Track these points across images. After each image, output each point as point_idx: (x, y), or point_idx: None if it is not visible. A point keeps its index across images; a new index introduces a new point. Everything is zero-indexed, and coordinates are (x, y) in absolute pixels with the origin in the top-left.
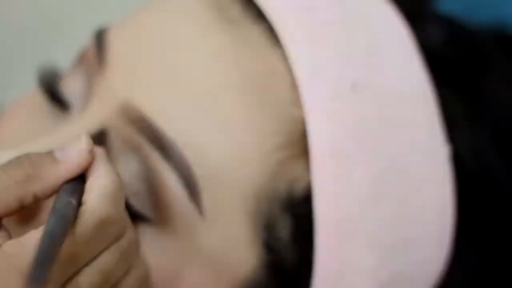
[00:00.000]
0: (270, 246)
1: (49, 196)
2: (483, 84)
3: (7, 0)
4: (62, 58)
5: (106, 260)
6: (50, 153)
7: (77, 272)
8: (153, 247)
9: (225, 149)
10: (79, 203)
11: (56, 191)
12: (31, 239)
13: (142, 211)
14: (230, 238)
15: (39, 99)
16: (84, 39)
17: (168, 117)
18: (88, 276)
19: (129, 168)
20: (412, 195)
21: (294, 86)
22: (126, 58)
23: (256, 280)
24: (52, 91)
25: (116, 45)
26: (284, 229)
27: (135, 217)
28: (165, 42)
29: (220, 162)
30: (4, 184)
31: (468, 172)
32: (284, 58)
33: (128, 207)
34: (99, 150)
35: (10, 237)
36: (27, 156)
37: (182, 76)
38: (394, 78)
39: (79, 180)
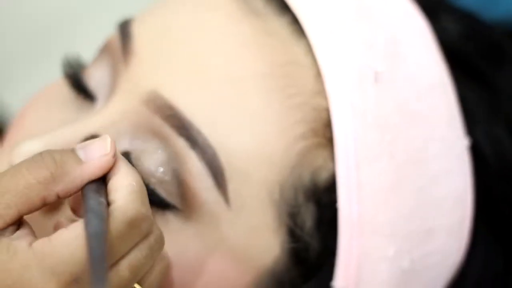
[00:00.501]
0: (294, 234)
1: (71, 195)
2: (499, 77)
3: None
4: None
5: (135, 256)
6: (73, 152)
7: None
8: (179, 235)
9: (250, 138)
10: (107, 203)
11: (78, 190)
12: (62, 239)
13: (168, 200)
14: (255, 227)
15: (63, 89)
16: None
17: (194, 106)
18: (118, 272)
19: (155, 156)
20: (432, 186)
21: (318, 76)
22: (151, 49)
23: (279, 268)
24: (77, 81)
25: (141, 36)
26: (307, 218)
27: (161, 205)
28: (190, 33)
29: (244, 151)
30: (29, 184)
31: (486, 163)
32: (308, 49)
33: (155, 196)
34: (114, 144)
35: (34, 233)
36: (51, 155)
37: (207, 66)
38: (415, 70)
39: (100, 179)
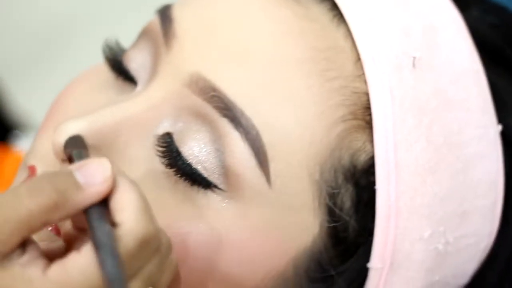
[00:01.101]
0: (333, 214)
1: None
2: None
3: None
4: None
5: (148, 270)
6: (72, 177)
7: None
8: (220, 214)
9: (291, 120)
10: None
11: (80, 213)
12: (77, 266)
13: (211, 179)
14: (296, 207)
15: (103, 72)
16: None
17: (237, 87)
18: (135, 286)
19: (198, 137)
20: (468, 169)
21: (357, 61)
22: (193, 32)
23: (318, 248)
24: (117, 64)
25: (182, 20)
26: (346, 199)
27: (203, 185)
28: (232, 17)
29: (286, 132)
30: (32, 214)
31: None
32: (347, 35)
33: (197, 176)
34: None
35: (40, 253)
36: (51, 182)
37: (249, 48)
38: (450, 57)
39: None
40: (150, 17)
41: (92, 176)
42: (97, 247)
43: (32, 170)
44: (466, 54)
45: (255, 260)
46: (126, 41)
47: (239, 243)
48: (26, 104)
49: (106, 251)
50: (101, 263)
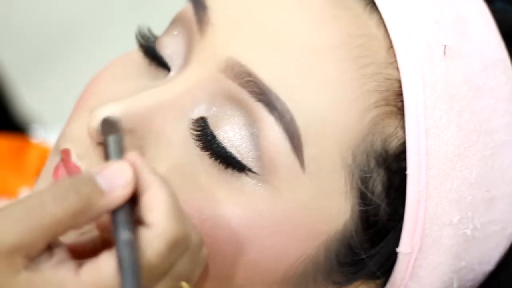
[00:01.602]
0: (365, 198)
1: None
2: None
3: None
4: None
5: (179, 268)
6: (93, 182)
7: (152, 286)
8: (254, 198)
9: (325, 105)
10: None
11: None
12: (109, 267)
13: (245, 163)
14: (328, 190)
15: (137, 58)
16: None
17: (271, 73)
18: (165, 284)
19: (233, 121)
20: (496, 156)
21: (389, 49)
22: (227, 19)
23: (349, 232)
24: (151, 50)
25: (216, 6)
26: (378, 183)
27: (238, 168)
28: (265, 3)
29: (320, 117)
30: (58, 221)
31: None
32: (380, 23)
33: (231, 159)
34: (139, 161)
35: (67, 253)
36: (76, 186)
37: (284, 34)
38: (479, 46)
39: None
40: (150, 18)
41: (114, 180)
42: (119, 262)
43: (66, 153)
44: (494, 44)
45: (287, 243)
46: (126, 41)
47: (272, 226)
48: (32, 102)
49: (126, 268)
50: (121, 281)
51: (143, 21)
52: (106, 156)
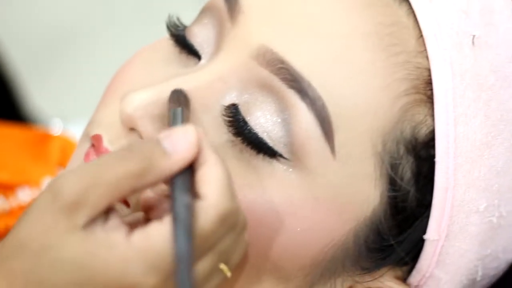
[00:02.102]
0: (394, 184)
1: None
2: None
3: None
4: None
5: (224, 246)
6: (159, 143)
7: (198, 257)
8: (285, 183)
9: (356, 92)
10: (194, 194)
11: (166, 181)
12: (159, 234)
13: (276, 148)
14: (358, 177)
15: (167, 46)
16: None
17: (304, 60)
18: (209, 259)
19: (265, 107)
20: None
21: (419, 38)
22: (259, 7)
23: (378, 218)
24: (182, 39)
25: None
26: (407, 170)
27: (269, 154)
28: None
29: (351, 104)
30: (121, 178)
31: None
32: (410, 12)
33: (263, 145)
34: (202, 135)
35: (122, 220)
36: (139, 148)
37: (316, 22)
38: (506, 37)
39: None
40: (150, 18)
41: (178, 143)
42: (174, 220)
43: (97, 138)
44: None
45: (317, 229)
46: (130, 40)
47: (302, 211)
48: (37, 99)
49: (181, 226)
50: (174, 237)
51: (143, 22)
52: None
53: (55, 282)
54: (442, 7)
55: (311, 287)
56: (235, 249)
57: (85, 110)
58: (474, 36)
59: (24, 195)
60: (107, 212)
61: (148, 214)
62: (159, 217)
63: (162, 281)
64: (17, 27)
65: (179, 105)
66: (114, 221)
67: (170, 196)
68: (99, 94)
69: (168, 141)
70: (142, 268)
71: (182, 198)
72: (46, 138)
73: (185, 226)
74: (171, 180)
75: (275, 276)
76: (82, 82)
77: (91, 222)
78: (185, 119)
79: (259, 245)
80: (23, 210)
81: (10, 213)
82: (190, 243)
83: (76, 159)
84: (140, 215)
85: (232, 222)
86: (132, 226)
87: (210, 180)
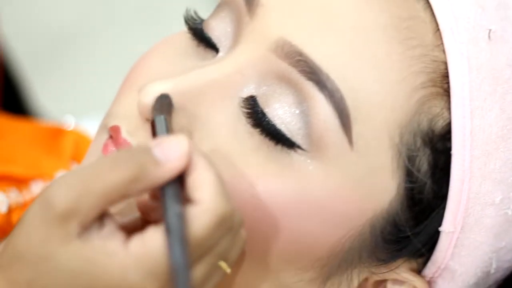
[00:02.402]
0: (411, 175)
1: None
2: None
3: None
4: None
5: (223, 246)
6: (150, 152)
7: (196, 261)
8: (302, 174)
9: (374, 85)
10: (186, 201)
11: (156, 189)
12: (156, 241)
13: (294, 140)
14: (375, 168)
15: (185, 39)
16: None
17: (322, 52)
18: (207, 261)
19: (283, 99)
20: None
21: (436, 32)
22: (278, 0)
23: (394, 210)
24: (200, 32)
25: None
26: (424, 162)
27: (287, 145)
28: None
29: (369, 96)
30: (113, 186)
31: None
32: (427, 7)
33: (281, 136)
34: (191, 144)
35: (118, 225)
36: (131, 155)
37: (334, 15)
38: None
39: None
40: (150, 18)
41: (170, 152)
42: (167, 231)
43: (115, 129)
44: None
45: (335, 220)
46: (129, 41)
47: (320, 202)
48: (39, 98)
49: (175, 237)
50: (169, 249)
51: (143, 22)
52: (154, 134)
53: None
54: (459, 1)
55: (328, 278)
56: (232, 248)
57: (87, 109)
58: (490, 30)
59: (37, 189)
60: (101, 217)
61: (144, 215)
62: (156, 219)
63: (161, 287)
64: (18, 27)
65: (161, 112)
66: (109, 227)
67: (161, 205)
68: (99, 93)
69: (159, 150)
70: (141, 275)
71: (173, 207)
72: (59, 132)
73: (179, 237)
74: (161, 189)
75: (292, 267)
76: (82, 81)
77: (85, 229)
78: (169, 128)
79: (276, 235)
80: None
81: (24, 206)
82: (185, 254)
83: (94, 151)
84: (135, 216)
85: (229, 223)
86: (128, 229)
87: (202, 185)
